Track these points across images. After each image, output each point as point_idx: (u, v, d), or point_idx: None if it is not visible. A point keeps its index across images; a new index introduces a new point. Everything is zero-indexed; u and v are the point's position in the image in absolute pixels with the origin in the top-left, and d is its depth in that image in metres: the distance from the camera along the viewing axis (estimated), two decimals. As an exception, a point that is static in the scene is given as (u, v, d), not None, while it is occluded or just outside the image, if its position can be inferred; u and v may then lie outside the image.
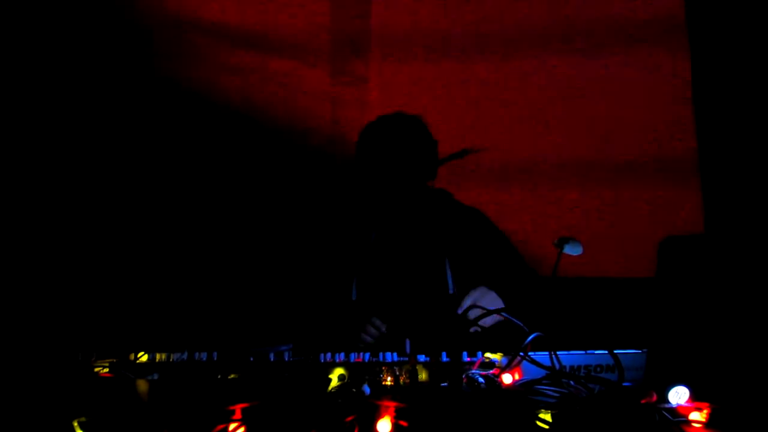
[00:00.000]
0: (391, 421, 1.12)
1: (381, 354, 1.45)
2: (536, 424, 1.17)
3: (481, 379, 1.38)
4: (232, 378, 1.41)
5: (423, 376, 1.40)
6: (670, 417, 1.21)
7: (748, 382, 1.28)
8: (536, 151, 2.85)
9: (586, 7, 2.88)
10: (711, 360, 1.31)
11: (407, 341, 1.48)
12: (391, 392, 1.33)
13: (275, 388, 1.33)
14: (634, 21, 2.86)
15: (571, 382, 1.33)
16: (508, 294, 1.85)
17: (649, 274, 1.43)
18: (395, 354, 1.45)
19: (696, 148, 2.81)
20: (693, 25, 2.82)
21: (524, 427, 1.17)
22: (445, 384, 1.38)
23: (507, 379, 1.39)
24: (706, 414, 1.22)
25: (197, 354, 1.46)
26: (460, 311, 1.73)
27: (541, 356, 1.40)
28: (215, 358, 1.45)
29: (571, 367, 1.41)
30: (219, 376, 1.41)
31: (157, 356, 1.47)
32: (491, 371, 1.41)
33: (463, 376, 1.38)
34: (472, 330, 1.67)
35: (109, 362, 1.45)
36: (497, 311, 1.63)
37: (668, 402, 1.25)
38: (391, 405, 1.15)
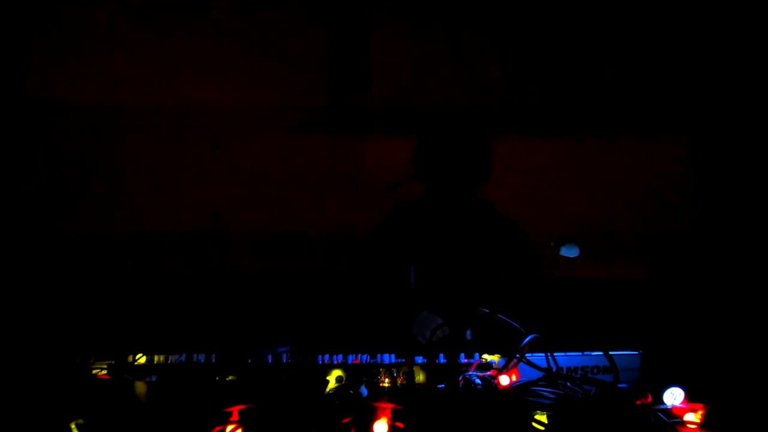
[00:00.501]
0: (388, 422, 1.13)
1: (379, 355, 1.45)
2: (532, 425, 1.17)
3: (478, 381, 1.38)
4: (231, 379, 1.41)
5: (420, 377, 1.41)
6: (665, 418, 1.22)
7: (742, 383, 1.28)
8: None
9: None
10: (706, 361, 1.32)
11: (468, 331, 1.49)
12: (389, 394, 1.34)
13: (273, 390, 1.34)
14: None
15: (568, 384, 1.34)
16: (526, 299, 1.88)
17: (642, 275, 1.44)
18: (393, 355, 1.46)
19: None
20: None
21: (520, 428, 1.17)
22: (443, 386, 1.38)
23: (504, 380, 1.39)
24: (701, 415, 1.22)
25: (195, 355, 1.46)
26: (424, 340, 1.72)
27: (539, 358, 1.40)
28: (213, 360, 1.45)
29: (568, 369, 1.41)
30: (217, 378, 1.41)
31: (156, 358, 1.47)
32: (488, 373, 1.41)
33: (461, 378, 1.39)
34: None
35: (107, 364, 1.45)
36: (491, 314, 1.63)
37: (663, 403, 1.26)
38: (388, 407, 1.16)
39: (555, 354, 1.40)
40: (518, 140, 2.93)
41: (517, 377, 1.41)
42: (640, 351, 1.41)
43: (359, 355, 1.45)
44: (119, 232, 2.82)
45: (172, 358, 1.46)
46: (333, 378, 1.39)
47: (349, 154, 2.94)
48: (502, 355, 1.45)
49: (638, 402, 1.24)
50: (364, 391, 1.31)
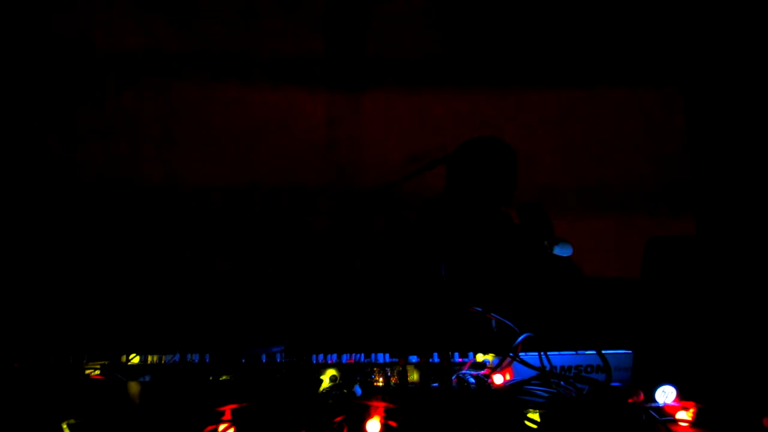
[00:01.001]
0: (380, 421, 1.13)
1: (373, 355, 1.45)
2: (525, 423, 1.18)
3: (471, 380, 1.38)
4: (224, 379, 1.41)
5: (414, 376, 1.41)
6: (657, 416, 1.23)
7: (734, 381, 1.29)
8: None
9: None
10: (697, 360, 1.33)
11: (493, 321, 1.50)
12: (382, 393, 1.34)
13: (266, 389, 1.34)
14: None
15: (561, 383, 1.34)
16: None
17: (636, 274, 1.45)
18: (387, 355, 1.46)
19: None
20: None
21: (513, 426, 1.17)
22: (436, 384, 1.39)
23: (498, 379, 1.40)
24: (693, 413, 1.23)
25: (189, 355, 1.46)
26: None
27: (532, 357, 1.41)
28: (207, 360, 1.45)
29: (562, 368, 1.42)
30: (211, 378, 1.41)
31: (149, 358, 1.46)
32: (482, 372, 1.42)
33: (454, 377, 1.39)
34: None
35: (100, 364, 1.45)
36: (485, 313, 1.64)
37: (655, 401, 1.26)
38: (381, 405, 1.16)
39: (548, 353, 1.40)
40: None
41: (510, 376, 1.41)
42: (632, 350, 1.42)
43: (353, 355, 1.46)
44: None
45: (165, 358, 1.46)
46: (327, 377, 1.39)
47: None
48: (496, 354, 1.45)
49: (630, 400, 1.25)
50: (358, 390, 1.31)
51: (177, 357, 1.46)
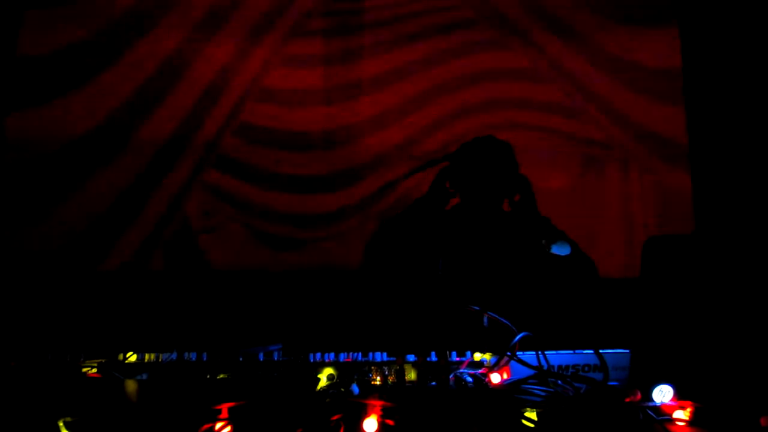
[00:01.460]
0: (378, 420, 1.13)
1: (371, 353, 1.45)
2: (522, 422, 1.18)
3: (469, 379, 1.39)
4: (222, 378, 1.41)
5: (412, 375, 1.41)
6: (654, 415, 1.23)
7: (731, 380, 1.29)
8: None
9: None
10: (695, 359, 1.33)
11: (485, 317, 1.50)
12: (380, 391, 1.34)
13: (263, 388, 1.34)
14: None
15: (558, 382, 1.34)
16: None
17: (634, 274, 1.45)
18: (384, 354, 1.46)
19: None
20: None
21: (510, 425, 1.18)
22: (434, 383, 1.39)
23: (495, 378, 1.40)
24: (690, 412, 1.23)
25: (187, 354, 1.46)
26: None
27: (530, 356, 1.41)
28: (205, 359, 1.45)
29: (559, 367, 1.42)
30: (208, 376, 1.41)
31: (146, 356, 1.46)
32: (479, 371, 1.42)
33: (451, 376, 1.39)
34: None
35: (97, 362, 1.45)
36: (482, 311, 1.64)
37: (653, 400, 1.26)
38: (378, 404, 1.16)
39: (546, 352, 1.41)
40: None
41: (508, 375, 1.41)
42: (630, 349, 1.42)
43: (351, 354, 1.46)
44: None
45: (162, 357, 1.46)
46: (324, 376, 1.39)
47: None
48: (494, 353, 1.45)
49: (628, 399, 1.25)
50: (355, 389, 1.31)
51: (174, 355, 1.46)
